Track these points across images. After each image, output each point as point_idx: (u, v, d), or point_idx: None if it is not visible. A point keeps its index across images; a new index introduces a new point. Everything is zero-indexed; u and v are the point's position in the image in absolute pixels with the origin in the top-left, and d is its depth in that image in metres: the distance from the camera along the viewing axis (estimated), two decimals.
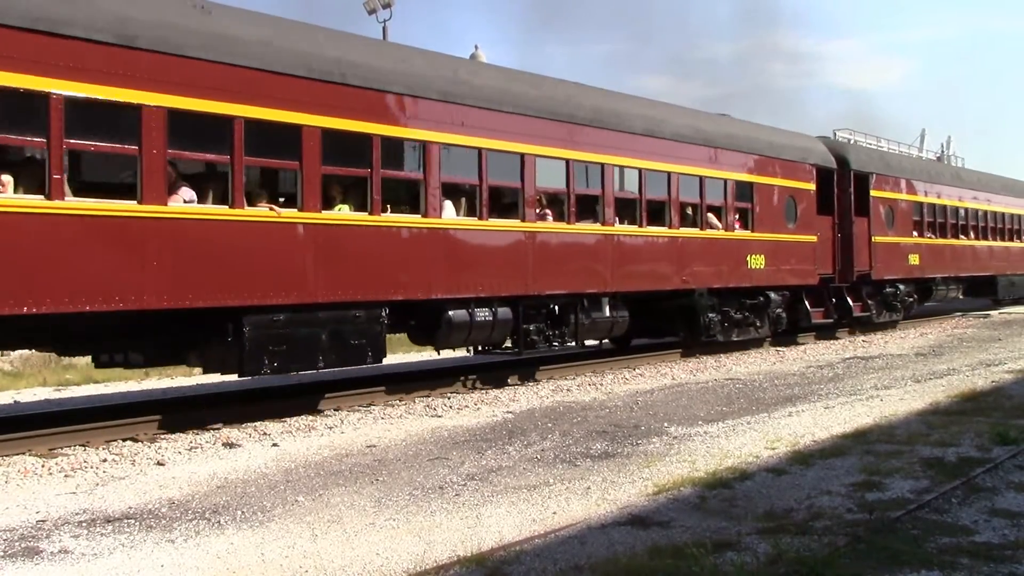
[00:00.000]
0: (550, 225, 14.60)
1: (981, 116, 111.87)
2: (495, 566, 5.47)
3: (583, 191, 15.33)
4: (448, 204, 13.05)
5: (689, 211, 17.71)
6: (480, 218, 13.33)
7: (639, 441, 9.56)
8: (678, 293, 17.35)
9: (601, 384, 14.53)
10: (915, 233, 25.80)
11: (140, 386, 15.13)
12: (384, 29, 28.47)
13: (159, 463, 9.04)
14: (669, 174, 16.81)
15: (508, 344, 14.10)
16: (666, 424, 10.56)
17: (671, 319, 18.02)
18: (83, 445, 9.95)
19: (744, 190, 18.99)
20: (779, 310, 19.91)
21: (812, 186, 21.13)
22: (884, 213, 24.01)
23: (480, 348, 14.40)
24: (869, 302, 23.51)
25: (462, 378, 14.48)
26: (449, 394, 13.57)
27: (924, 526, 6.12)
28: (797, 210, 20.55)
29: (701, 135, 17.98)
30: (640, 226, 16.19)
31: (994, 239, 31.38)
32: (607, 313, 15.49)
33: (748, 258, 18.84)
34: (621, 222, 15.93)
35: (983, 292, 31.77)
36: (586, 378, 15.31)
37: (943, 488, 7.03)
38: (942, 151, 39.41)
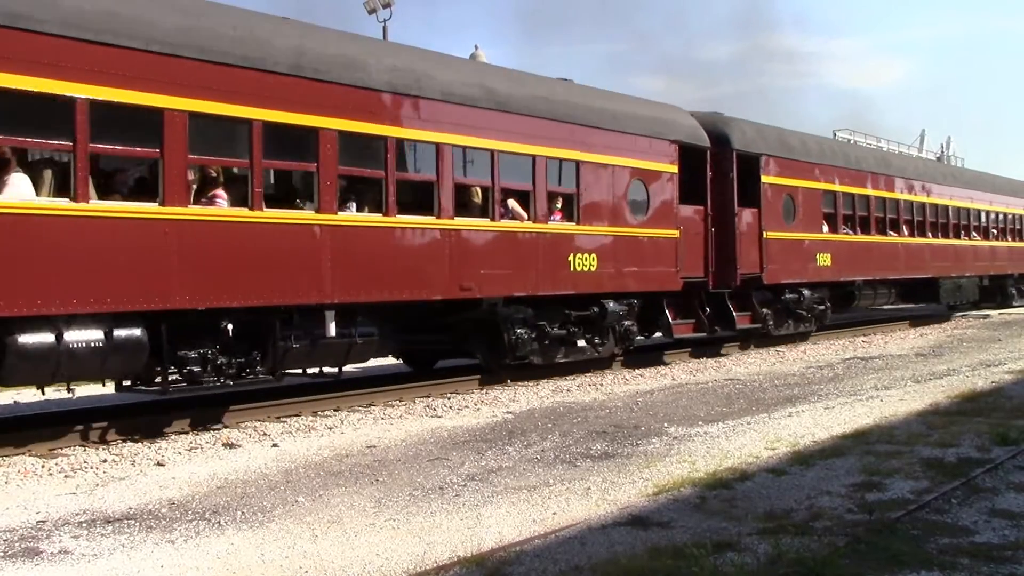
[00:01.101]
0: (211, 212, 10.45)
1: (981, 116, 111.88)
2: (495, 566, 5.47)
3: (281, 164, 11.60)
4: (22, 180, 9.15)
5: (475, 196, 13.62)
6: (76, 200, 9.26)
7: (639, 441, 9.56)
8: (462, 304, 13.50)
9: (601, 384, 14.53)
10: (826, 228, 21.80)
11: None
12: (384, 29, 28.48)
13: (159, 463, 9.04)
14: (439, 146, 12.68)
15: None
16: (666, 424, 10.56)
17: (464, 336, 14.27)
18: (83, 445, 9.95)
19: (565, 171, 14.92)
20: (627, 322, 15.99)
21: (673, 168, 17.00)
22: (782, 203, 20.11)
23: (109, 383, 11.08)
24: (764, 311, 19.60)
25: (462, 378, 14.47)
26: (449, 394, 13.57)
27: (924, 526, 6.12)
28: (649, 198, 16.48)
29: (493, 97, 13.70)
30: (387, 214, 12.02)
31: (936, 236, 27.12)
32: (332, 333, 11.44)
33: (571, 258, 14.75)
34: (360, 208, 12.01)
35: (924, 297, 27.79)
36: (586, 378, 15.30)
37: (943, 488, 7.03)
38: (942, 151, 39.38)
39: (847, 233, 22.60)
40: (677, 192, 17.11)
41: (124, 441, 10.17)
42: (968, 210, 29.58)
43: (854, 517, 6.37)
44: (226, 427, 11.08)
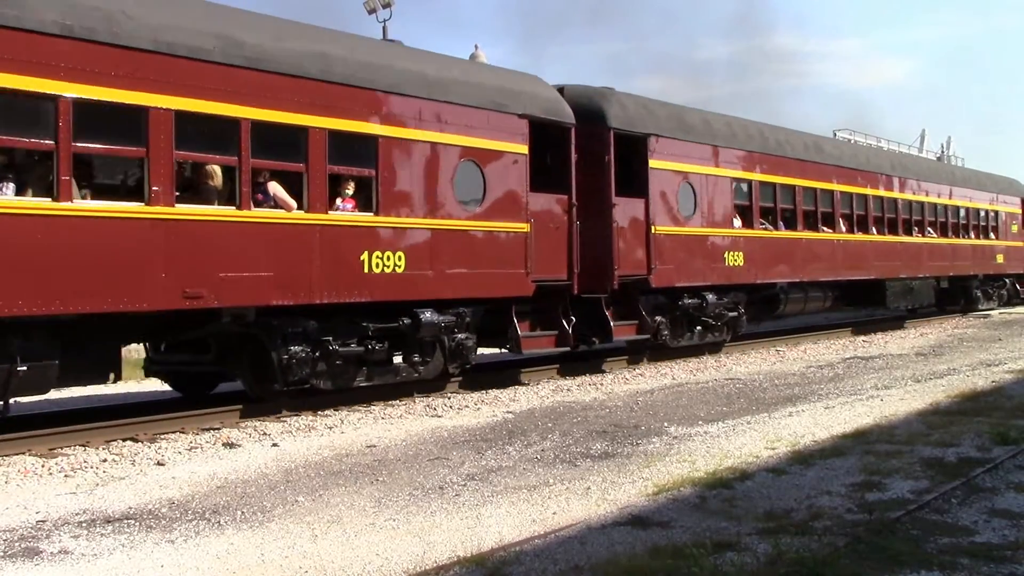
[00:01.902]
0: None
1: (982, 116, 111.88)
2: (495, 566, 5.47)
3: None
4: None
5: (212, 178, 10.70)
6: None
7: (639, 441, 9.56)
8: (200, 316, 10.74)
9: (601, 384, 14.53)
10: (740, 223, 18.82)
11: (140, 387, 15.13)
12: (384, 29, 28.47)
13: (159, 463, 9.04)
14: (147, 111, 9.70)
15: None
16: (666, 424, 10.56)
17: (223, 357, 11.64)
18: (83, 445, 9.95)
19: (360, 148, 11.80)
20: (460, 336, 13.07)
21: (522, 148, 13.87)
22: (678, 193, 17.15)
23: None
24: (657, 319, 16.73)
25: (462, 378, 14.45)
26: (449, 394, 13.57)
27: (924, 526, 6.12)
28: (487, 184, 13.33)
29: (239, 51, 10.62)
30: (58, 199, 9.10)
31: (882, 232, 24.18)
32: None
33: (367, 258, 11.66)
34: (22, 191, 9.14)
35: (869, 301, 24.81)
36: (586, 378, 15.30)
37: (943, 488, 7.03)
38: (942, 151, 39.35)
39: (766, 228, 19.63)
40: (527, 178, 13.91)
41: (124, 441, 10.17)
42: (923, 204, 26.56)
43: (854, 517, 6.37)
44: (226, 427, 11.08)
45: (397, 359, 12.82)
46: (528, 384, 14.63)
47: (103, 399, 14.21)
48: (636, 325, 16.22)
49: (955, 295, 29.36)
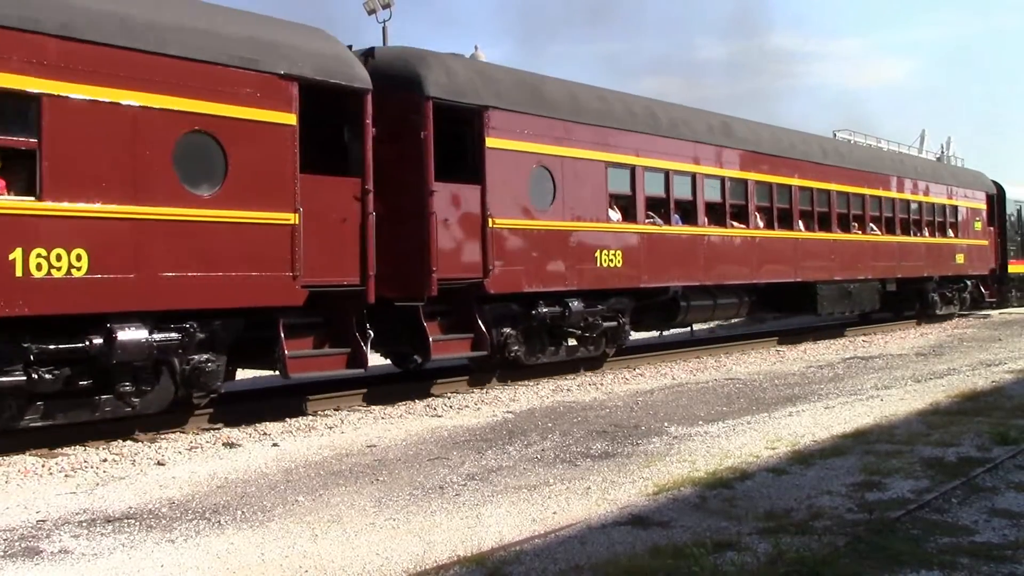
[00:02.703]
0: None
1: (982, 116, 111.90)
2: (495, 566, 5.47)
3: None
4: None
5: None
6: None
7: (639, 441, 9.56)
8: None
9: (601, 384, 14.53)
10: (616, 216, 15.90)
11: None
12: (384, 29, 28.47)
13: (159, 463, 9.04)
14: None
15: None
16: (666, 424, 10.56)
17: None
18: (83, 445, 9.95)
19: (10, 110, 8.90)
20: (200, 357, 10.33)
21: (287, 118, 10.83)
22: (529, 180, 14.08)
23: None
24: (505, 331, 13.79)
25: (462, 378, 14.44)
26: (449, 394, 13.57)
27: (924, 526, 6.12)
28: (228, 162, 10.33)
29: None
30: None
31: (811, 229, 21.20)
32: None
33: (16, 256, 8.75)
34: None
35: (796, 306, 22.00)
36: (586, 378, 15.30)
37: (943, 488, 7.03)
38: (942, 151, 39.31)
39: (654, 223, 16.60)
40: (296, 156, 10.94)
41: (124, 441, 10.17)
42: (864, 197, 23.40)
43: (854, 516, 6.37)
44: (226, 427, 11.07)
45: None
46: (528, 384, 14.63)
47: None
48: (471, 339, 13.16)
49: (908, 299, 26.65)
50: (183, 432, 10.64)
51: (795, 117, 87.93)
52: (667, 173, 16.98)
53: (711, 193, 18.16)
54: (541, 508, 6.93)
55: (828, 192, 22.01)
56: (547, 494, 7.36)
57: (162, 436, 10.41)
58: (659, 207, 16.89)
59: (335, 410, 12.11)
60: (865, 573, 5.22)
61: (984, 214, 30.33)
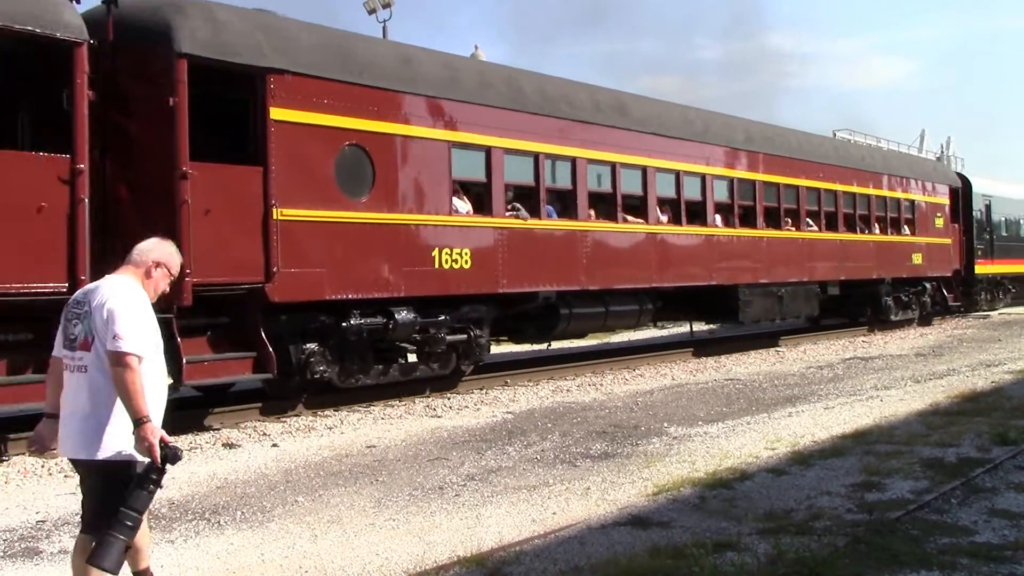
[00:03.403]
0: None
1: (982, 116, 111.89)
2: (495, 566, 5.46)
3: None
4: None
5: None
6: None
7: (639, 441, 9.56)
8: None
9: (601, 384, 14.53)
10: (465, 207, 13.31)
11: None
12: (384, 29, 28.47)
13: None
14: None
15: None
16: (666, 424, 10.56)
17: None
18: None
19: None
20: None
21: None
22: (336, 161, 11.48)
23: None
24: (306, 348, 11.38)
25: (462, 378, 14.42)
26: (449, 394, 13.56)
27: (924, 526, 6.12)
28: None
29: None
30: None
31: (730, 225, 18.35)
32: None
33: None
34: None
35: (714, 313, 19.45)
36: (586, 378, 15.30)
37: (943, 488, 7.03)
38: (942, 151, 39.28)
39: (516, 216, 13.94)
40: None
41: None
42: (798, 189, 20.47)
43: (854, 517, 6.37)
44: (226, 427, 11.07)
45: None
46: (528, 385, 14.62)
47: None
48: (253, 359, 10.66)
49: (860, 304, 23.90)
50: (183, 432, 10.62)
51: (796, 118, 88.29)
52: (536, 157, 14.22)
53: (598, 182, 15.40)
54: (541, 508, 6.93)
55: (753, 183, 19.14)
56: (547, 495, 7.36)
57: None
58: (526, 198, 14.25)
59: (335, 410, 12.11)
60: (865, 573, 5.22)
61: (947, 210, 27.38)
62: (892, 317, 24.61)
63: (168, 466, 4.44)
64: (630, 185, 16.01)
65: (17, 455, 9.43)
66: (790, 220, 20.45)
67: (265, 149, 10.74)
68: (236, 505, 7.25)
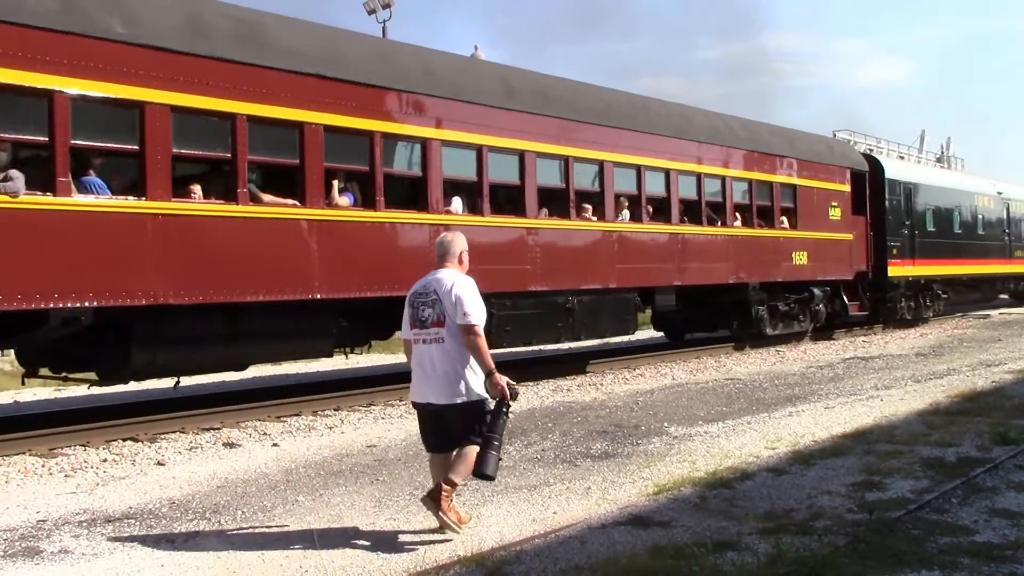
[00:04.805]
0: None
1: (982, 116, 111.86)
2: (495, 566, 5.46)
3: None
4: None
5: None
6: None
7: (639, 441, 9.56)
8: None
9: (601, 384, 14.53)
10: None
11: (140, 386, 15.11)
12: (384, 29, 28.49)
13: (159, 463, 9.04)
14: None
15: None
16: (666, 424, 10.56)
17: None
18: (83, 445, 9.95)
19: None
20: None
21: None
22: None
23: None
24: None
25: None
26: None
27: (924, 526, 6.11)
28: None
29: None
30: None
31: (479, 212, 13.43)
32: None
33: None
34: None
35: None
36: (586, 378, 15.30)
37: (943, 488, 7.03)
38: (942, 152, 39.20)
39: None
40: None
41: (124, 441, 10.17)
42: (602, 165, 15.36)
43: (854, 517, 6.37)
44: (226, 427, 11.07)
45: None
46: (528, 385, 14.61)
47: (103, 399, 14.21)
48: None
49: (727, 314, 19.53)
50: (183, 432, 10.63)
51: (794, 118, 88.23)
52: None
53: (191, 144, 10.50)
54: (541, 508, 6.93)
55: (522, 155, 13.92)
56: (547, 494, 7.35)
57: (162, 436, 10.40)
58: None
59: (335, 410, 12.11)
60: (865, 573, 5.22)
61: (847, 198, 22.58)
62: (768, 331, 20.04)
63: (511, 402, 6.17)
64: (285, 151, 11.36)
65: (17, 455, 9.43)
66: (591, 208, 15.37)
67: None
68: (236, 504, 7.25)
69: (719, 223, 18.46)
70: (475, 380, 6.15)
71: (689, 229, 17.57)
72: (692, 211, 17.79)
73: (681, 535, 5.98)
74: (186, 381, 16.16)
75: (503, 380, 6.10)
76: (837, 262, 22.09)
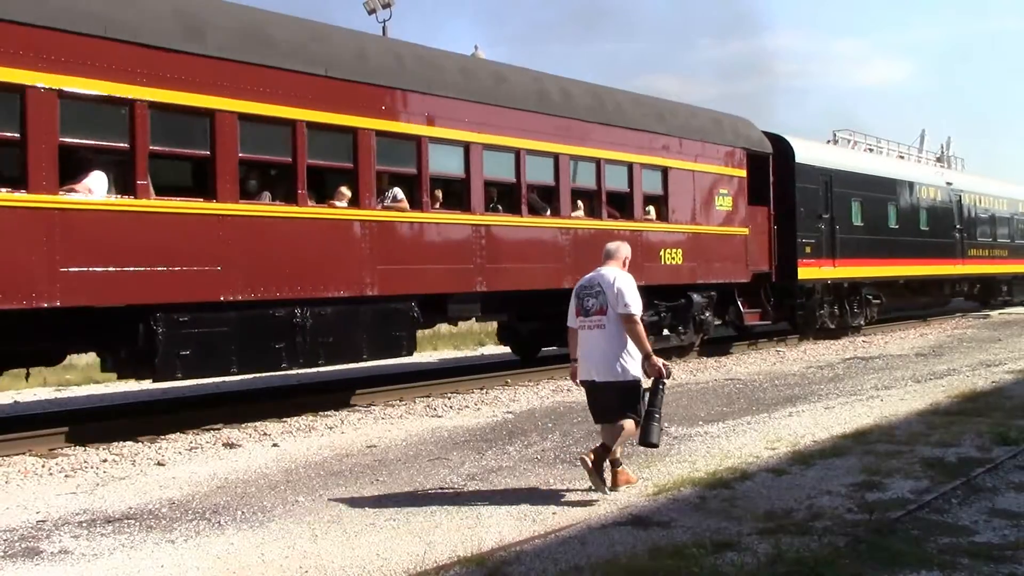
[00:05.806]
0: None
1: (982, 116, 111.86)
2: (495, 566, 5.46)
3: None
4: None
5: None
6: None
7: None
8: None
9: None
10: None
11: (140, 386, 15.12)
12: (384, 29, 28.48)
13: (159, 463, 9.04)
14: None
15: None
16: (666, 424, 10.54)
17: None
18: (83, 445, 9.95)
19: None
20: None
21: None
22: None
23: None
24: None
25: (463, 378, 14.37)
26: (449, 394, 13.57)
27: (924, 526, 6.11)
28: None
29: None
30: None
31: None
32: None
33: None
34: None
35: (118, 356, 10.55)
36: None
37: (943, 488, 7.03)
38: (942, 152, 39.16)
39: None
40: None
41: (124, 441, 10.17)
42: (355, 134, 11.70)
43: (854, 517, 6.36)
44: (226, 427, 11.07)
45: None
46: (528, 385, 14.61)
47: (104, 399, 14.22)
48: None
49: (551, 331, 14.28)
50: (183, 432, 10.63)
51: (794, 118, 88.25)
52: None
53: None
54: (541, 508, 6.92)
55: (211, 117, 10.27)
56: (547, 494, 7.35)
57: (162, 436, 10.41)
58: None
59: (335, 410, 12.11)
60: (865, 573, 5.22)
61: (743, 185, 18.85)
62: (669, 339, 17.12)
63: (667, 380, 7.08)
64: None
65: (17, 455, 9.43)
66: (349, 189, 11.82)
67: None
68: (236, 505, 7.25)
69: (547, 212, 14.67)
70: (631, 363, 7.09)
71: (498, 220, 13.67)
72: (508, 197, 14.09)
73: (681, 535, 5.98)
74: (187, 382, 16.21)
75: (659, 361, 7.07)
76: (727, 262, 18.41)
